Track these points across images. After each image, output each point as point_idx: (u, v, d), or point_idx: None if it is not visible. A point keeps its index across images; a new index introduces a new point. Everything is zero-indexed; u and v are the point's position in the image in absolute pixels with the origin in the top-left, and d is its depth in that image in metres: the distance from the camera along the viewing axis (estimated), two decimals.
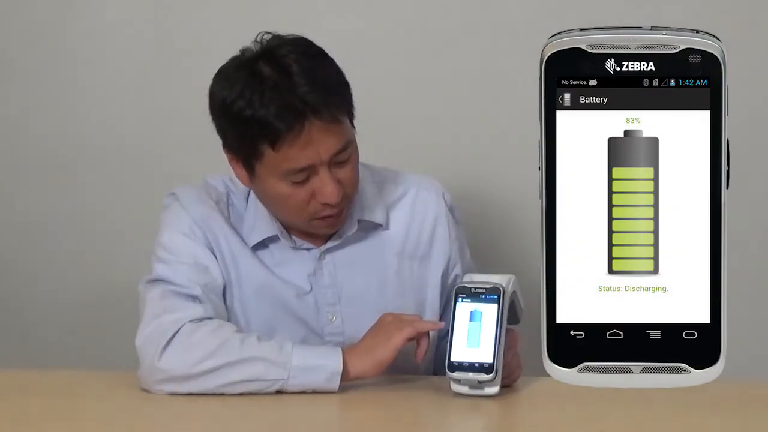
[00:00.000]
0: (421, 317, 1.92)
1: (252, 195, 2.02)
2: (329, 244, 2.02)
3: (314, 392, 1.84)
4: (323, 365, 1.83)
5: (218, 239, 1.98)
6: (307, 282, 2.01)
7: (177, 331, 1.85)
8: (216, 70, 1.93)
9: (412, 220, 2.08)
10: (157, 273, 1.94)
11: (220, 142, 1.96)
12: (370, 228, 2.05)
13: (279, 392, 1.83)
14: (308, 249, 2.02)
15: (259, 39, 1.91)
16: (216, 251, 1.97)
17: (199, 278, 1.93)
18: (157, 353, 1.84)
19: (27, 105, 2.76)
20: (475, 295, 1.79)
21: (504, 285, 1.79)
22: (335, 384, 1.84)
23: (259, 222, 2.00)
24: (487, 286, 1.79)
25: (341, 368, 1.83)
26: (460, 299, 1.80)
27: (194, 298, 1.90)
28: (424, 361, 1.94)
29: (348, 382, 1.85)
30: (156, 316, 1.88)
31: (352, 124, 1.94)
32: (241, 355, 1.83)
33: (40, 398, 1.87)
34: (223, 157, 1.97)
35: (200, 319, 1.88)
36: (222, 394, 1.83)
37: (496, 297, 1.78)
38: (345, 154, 1.91)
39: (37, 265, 2.78)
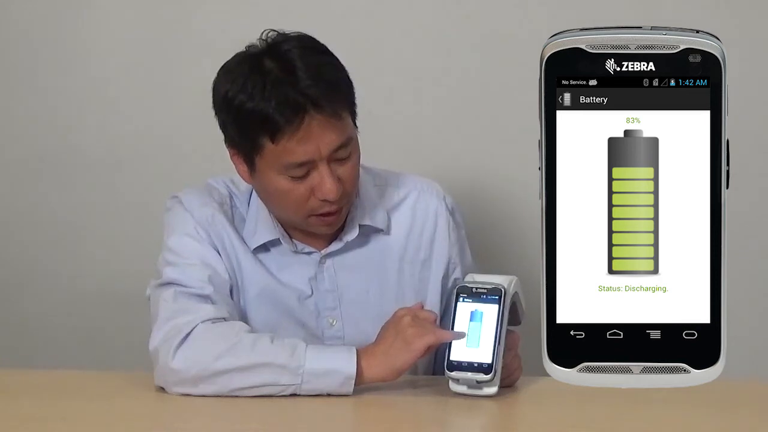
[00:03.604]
0: (436, 315, 1.91)
1: (254, 198, 2.01)
2: (330, 249, 2.01)
3: (329, 395, 1.82)
4: (337, 369, 1.81)
5: (223, 240, 1.97)
6: (308, 286, 2.00)
7: (190, 332, 1.84)
8: (217, 72, 1.93)
9: (413, 224, 2.07)
10: (166, 276, 1.93)
11: (221, 145, 1.96)
12: (371, 232, 2.04)
13: (293, 395, 1.82)
14: (309, 253, 2.01)
15: (264, 36, 1.91)
16: (221, 252, 1.96)
17: (208, 278, 1.92)
18: (170, 354, 1.82)
19: (26, 106, 2.76)
20: (476, 295, 1.79)
21: (505, 286, 1.78)
22: (349, 388, 1.81)
23: (261, 225, 1.99)
24: (489, 287, 1.79)
25: (355, 373, 1.81)
26: (461, 299, 1.79)
27: (206, 298, 1.89)
28: (424, 361, 1.94)
29: (362, 385, 1.83)
30: (169, 319, 1.86)
31: (354, 122, 1.94)
32: (253, 360, 1.81)
33: (40, 398, 1.86)
34: (224, 159, 1.97)
35: (213, 320, 1.86)
36: (235, 396, 1.82)
37: (497, 298, 1.78)
38: (345, 151, 1.90)
39: (38, 265, 2.78)
